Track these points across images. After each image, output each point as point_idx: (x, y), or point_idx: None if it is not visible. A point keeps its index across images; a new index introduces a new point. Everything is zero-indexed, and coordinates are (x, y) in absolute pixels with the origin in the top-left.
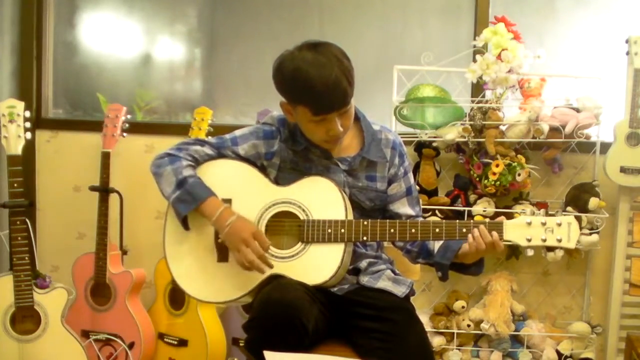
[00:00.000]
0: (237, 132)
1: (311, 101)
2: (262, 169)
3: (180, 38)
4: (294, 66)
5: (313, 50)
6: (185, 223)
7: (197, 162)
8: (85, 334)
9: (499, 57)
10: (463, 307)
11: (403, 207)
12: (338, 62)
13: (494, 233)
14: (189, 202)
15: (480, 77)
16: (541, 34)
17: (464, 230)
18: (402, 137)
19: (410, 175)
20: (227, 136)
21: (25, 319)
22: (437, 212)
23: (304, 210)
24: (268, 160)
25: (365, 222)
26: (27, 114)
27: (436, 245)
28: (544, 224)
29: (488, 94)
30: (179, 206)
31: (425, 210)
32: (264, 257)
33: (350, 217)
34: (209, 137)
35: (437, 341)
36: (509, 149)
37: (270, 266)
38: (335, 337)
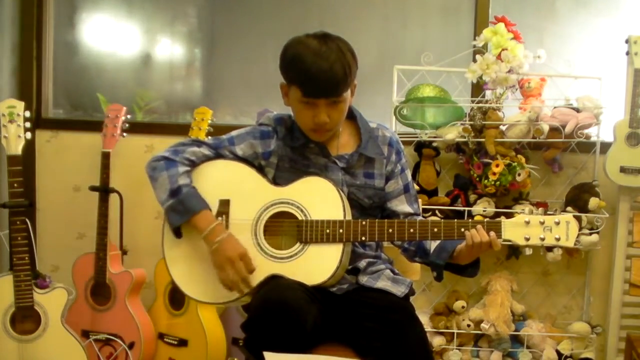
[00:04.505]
0: (234, 133)
1: (302, 83)
2: (260, 169)
3: (180, 38)
4: (296, 50)
5: (319, 39)
6: (177, 232)
7: (194, 163)
8: (85, 334)
9: (499, 57)
10: (463, 307)
11: (401, 205)
12: (340, 54)
13: (492, 233)
14: (182, 213)
15: (480, 77)
16: (541, 34)
17: (462, 229)
18: (402, 137)
19: (408, 172)
20: (224, 137)
21: (25, 319)
22: (437, 212)
23: (302, 211)
24: (266, 160)
25: (364, 222)
26: (27, 114)
27: (433, 244)
28: (542, 222)
29: (488, 94)
30: (172, 216)
31: (425, 210)
32: (247, 280)
33: (349, 217)
34: (207, 138)
35: (437, 341)
36: (509, 149)
37: (251, 288)
38: (334, 337)
